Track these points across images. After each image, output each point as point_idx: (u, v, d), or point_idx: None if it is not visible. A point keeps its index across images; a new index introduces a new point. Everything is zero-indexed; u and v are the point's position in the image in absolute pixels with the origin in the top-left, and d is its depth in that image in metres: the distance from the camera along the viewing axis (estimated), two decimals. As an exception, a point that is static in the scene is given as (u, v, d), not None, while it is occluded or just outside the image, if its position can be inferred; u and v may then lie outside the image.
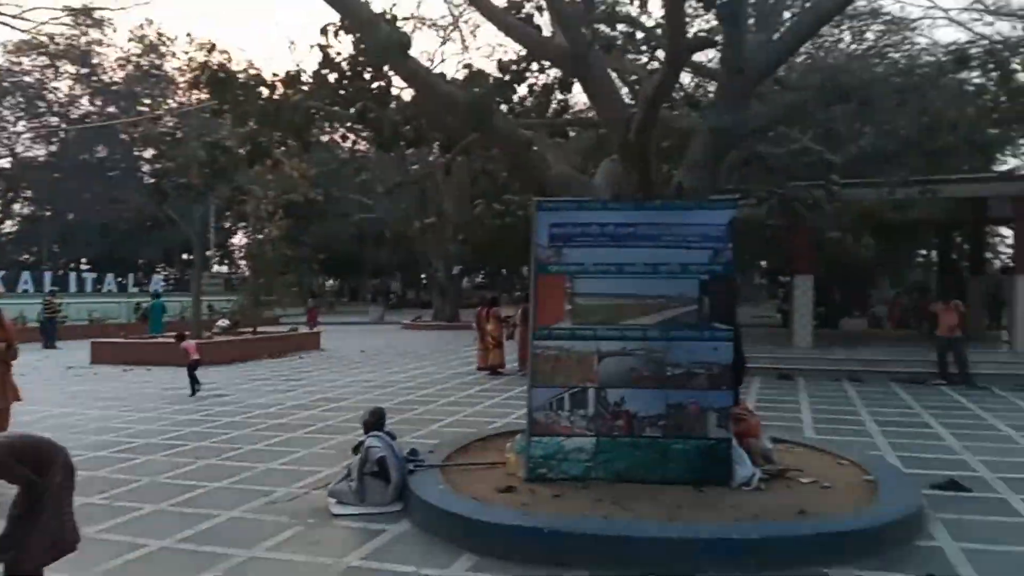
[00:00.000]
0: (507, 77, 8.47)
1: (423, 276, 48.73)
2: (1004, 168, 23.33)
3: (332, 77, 7.06)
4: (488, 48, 58.30)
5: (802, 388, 12.65)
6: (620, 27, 9.04)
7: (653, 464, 6.13)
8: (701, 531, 4.92)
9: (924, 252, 32.59)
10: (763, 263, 37.08)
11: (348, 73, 7.09)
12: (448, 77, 7.33)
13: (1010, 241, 17.08)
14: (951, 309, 13.26)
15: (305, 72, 7.25)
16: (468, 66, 6.67)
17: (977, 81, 8.96)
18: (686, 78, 11.85)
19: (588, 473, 6.17)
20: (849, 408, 10.74)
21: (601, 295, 6.34)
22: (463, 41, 47.90)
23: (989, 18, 20.60)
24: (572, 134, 9.57)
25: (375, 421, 6.52)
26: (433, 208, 30.35)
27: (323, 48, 6.96)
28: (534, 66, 8.73)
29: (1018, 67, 6.63)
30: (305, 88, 7.15)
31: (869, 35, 21.07)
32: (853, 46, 20.05)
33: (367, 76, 7.08)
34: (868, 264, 29.14)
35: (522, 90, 8.75)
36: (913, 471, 7.05)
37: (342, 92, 7.13)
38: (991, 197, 15.59)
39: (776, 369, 14.13)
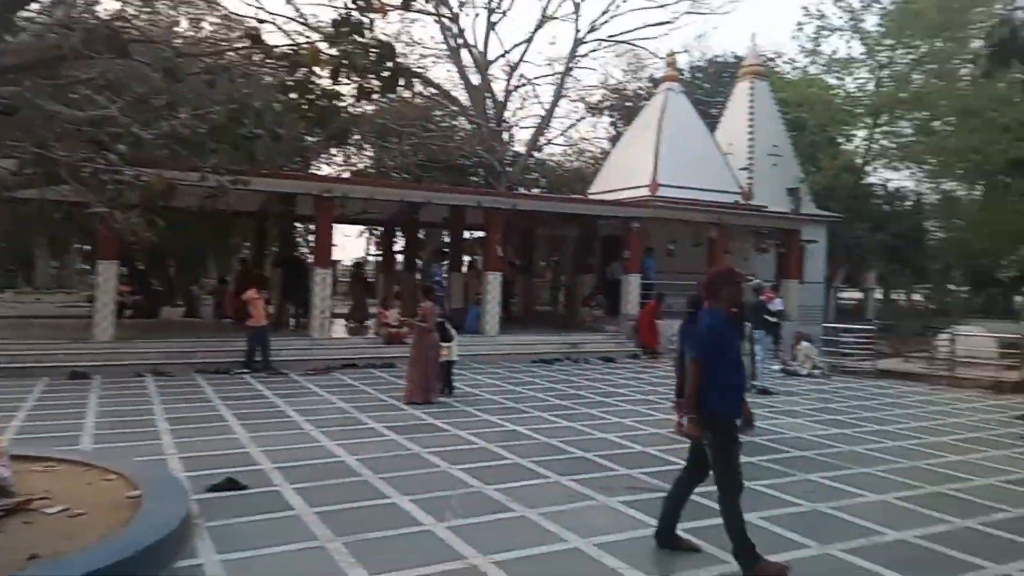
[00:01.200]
0: None
1: None
2: (320, 172, 25.93)
3: None
4: None
5: (96, 388, 11.13)
6: None
7: None
8: None
9: (248, 242, 33.93)
10: (86, 247, 33.09)
11: None
12: None
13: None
14: (260, 299, 13.58)
15: None
16: None
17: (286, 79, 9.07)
18: None
19: None
20: (144, 407, 9.77)
21: None
22: None
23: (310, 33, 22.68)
24: None
25: None
26: None
27: None
28: None
29: (306, 56, 6.68)
30: None
31: (206, 25, 20.59)
32: (191, 32, 19.19)
33: None
34: (195, 250, 28.75)
35: None
36: (195, 473, 6.54)
37: None
38: (298, 194, 16.69)
39: (70, 367, 12.26)
